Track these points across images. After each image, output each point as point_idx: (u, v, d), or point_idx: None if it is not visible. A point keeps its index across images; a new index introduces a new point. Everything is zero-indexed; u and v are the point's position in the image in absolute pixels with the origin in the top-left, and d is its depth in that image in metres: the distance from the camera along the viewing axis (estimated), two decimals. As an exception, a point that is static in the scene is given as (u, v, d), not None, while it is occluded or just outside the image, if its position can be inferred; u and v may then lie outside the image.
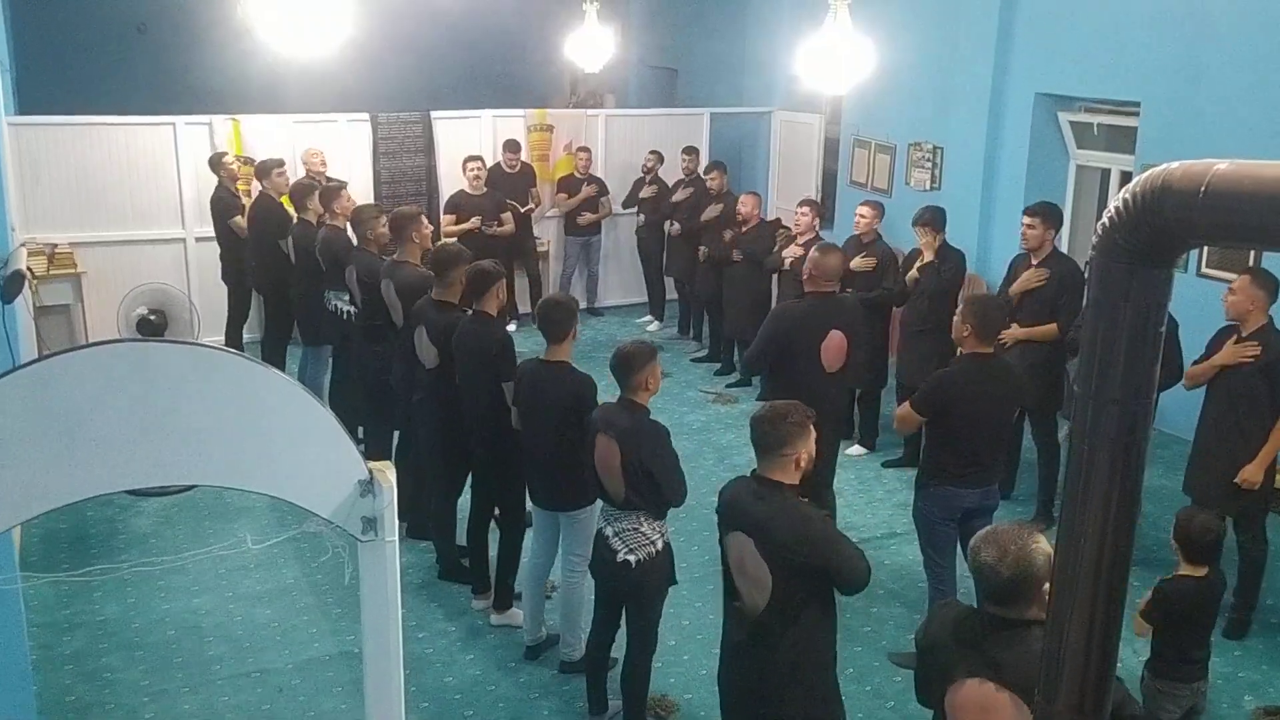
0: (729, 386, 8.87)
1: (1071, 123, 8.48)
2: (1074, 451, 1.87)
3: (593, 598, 4.71)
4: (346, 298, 6.54)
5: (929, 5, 9.40)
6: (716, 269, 8.95)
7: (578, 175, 10.31)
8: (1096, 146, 8.42)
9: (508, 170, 9.85)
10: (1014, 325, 6.09)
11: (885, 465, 7.33)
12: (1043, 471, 6.39)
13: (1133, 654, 4.42)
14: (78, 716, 4.68)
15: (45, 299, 8.18)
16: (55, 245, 8.69)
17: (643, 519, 4.32)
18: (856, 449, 7.52)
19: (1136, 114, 7.71)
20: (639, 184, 10.25)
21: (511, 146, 9.92)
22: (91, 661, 5.05)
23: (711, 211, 9.08)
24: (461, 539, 5.70)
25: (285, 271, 7.51)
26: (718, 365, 9.30)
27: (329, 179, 8.58)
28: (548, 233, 10.62)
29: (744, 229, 8.61)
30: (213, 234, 8.43)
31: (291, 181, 7.85)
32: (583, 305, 10.70)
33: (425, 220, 6.25)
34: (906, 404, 4.94)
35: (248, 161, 8.94)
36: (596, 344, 9.55)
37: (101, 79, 12.54)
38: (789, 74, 8.36)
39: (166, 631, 5.29)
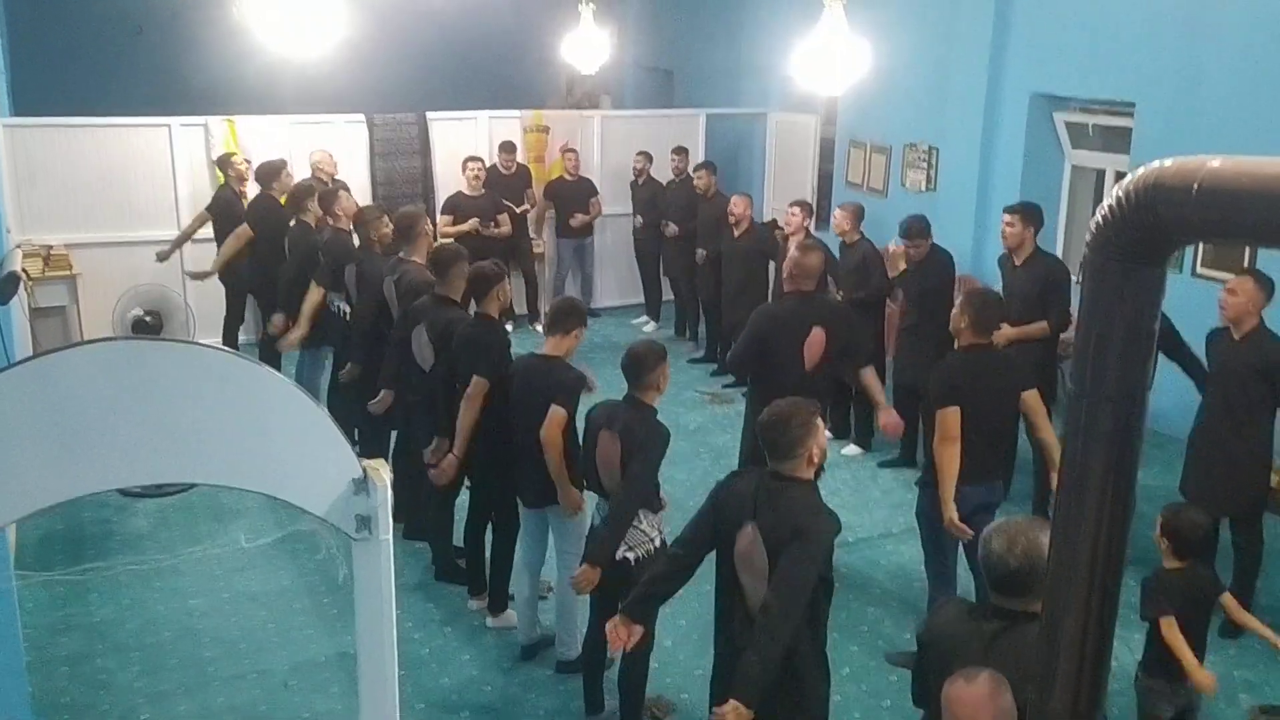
0: (725, 387, 8.87)
1: (1067, 123, 8.49)
2: (1068, 449, 1.87)
3: (589, 597, 4.71)
4: (346, 298, 6.54)
5: (924, 6, 9.41)
6: (715, 270, 8.94)
7: (567, 177, 10.31)
8: (1092, 147, 8.44)
9: (504, 172, 9.86)
10: (1004, 326, 6.10)
11: (881, 465, 7.34)
12: (1039, 470, 6.40)
13: (1128, 651, 4.42)
14: (73, 718, 4.67)
15: (40, 301, 8.17)
16: (51, 247, 8.69)
17: (642, 516, 4.32)
18: (852, 449, 7.53)
19: (1131, 115, 7.73)
20: (634, 188, 10.27)
21: (507, 148, 9.93)
22: (86, 663, 5.04)
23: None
24: (458, 540, 5.70)
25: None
26: (714, 366, 9.31)
27: (335, 181, 8.59)
28: (543, 234, 10.62)
29: (736, 231, 8.61)
30: (211, 235, 8.41)
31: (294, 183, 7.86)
32: (578, 307, 10.75)
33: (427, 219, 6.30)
34: (938, 419, 4.68)
35: (245, 163, 8.93)
36: (593, 345, 9.53)
37: (97, 80, 12.52)
38: (784, 75, 8.36)
39: (162, 633, 5.28)
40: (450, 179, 9.78)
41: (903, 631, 5.29)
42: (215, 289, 8.56)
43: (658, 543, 4.36)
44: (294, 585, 5.72)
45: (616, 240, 10.97)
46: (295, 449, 1.91)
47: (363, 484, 1.96)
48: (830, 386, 5.97)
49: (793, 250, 5.72)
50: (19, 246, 8.05)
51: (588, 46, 9.83)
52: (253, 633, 5.30)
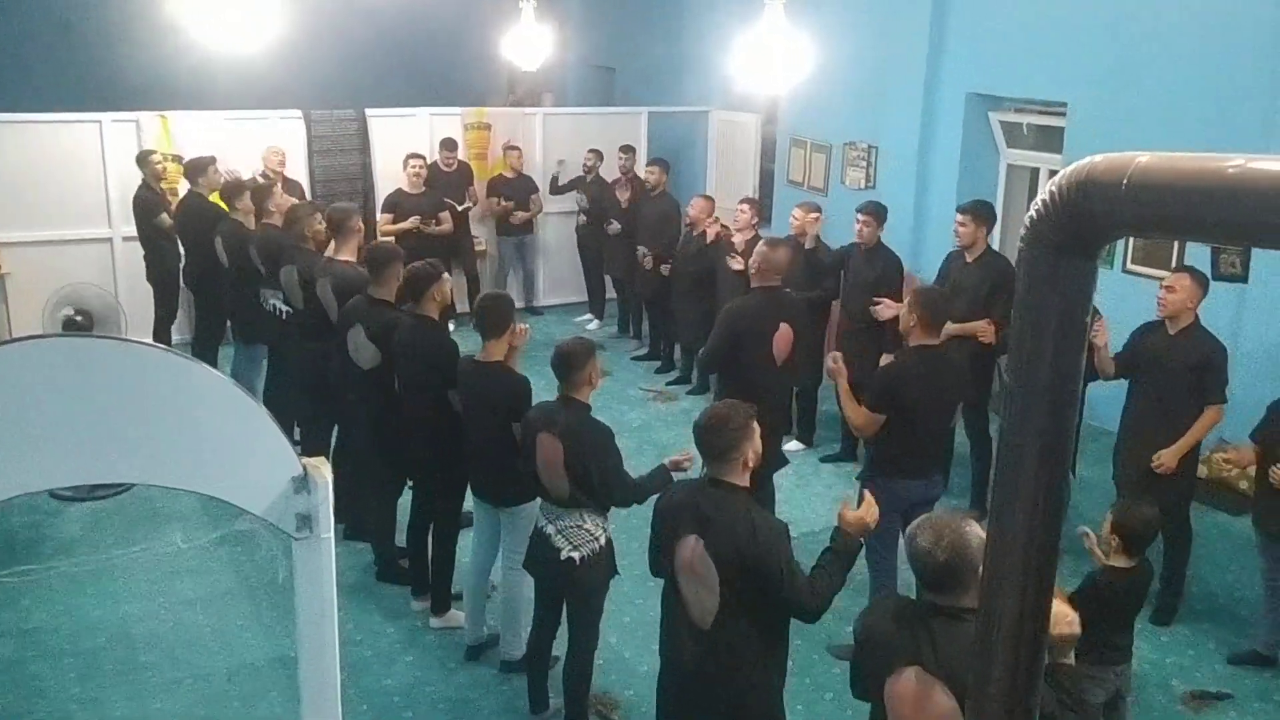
0: (669, 384, 8.90)
1: (1002, 122, 8.64)
2: (1003, 441, 1.90)
3: (533, 595, 4.70)
4: (282, 296, 6.45)
5: (863, 6, 9.51)
6: (658, 269, 8.93)
7: (509, 174, 10.26)
8: (1026, 146, 8.59)
9: (445, 169, 9.79)
10: (947, 322, 6.19)
11: (823, 460, 7.42)
12: (976, 464, 6.52)
13: (1064, 641, 4.51)
14: (4, 727, 4.56)
15: (-33, 301, 7.96)
16: (-23, 245, 8.46)
17: (586, 515, 4.32)
18: (795, 445, 7.58)
19: (1064, 114, 7.88)
20: (577, 181, 10.23)
21: (448, 145, 9.85)
22: (19, 669, 4.92)
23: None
24: (401, 540, 5.65)
25: (216, 270, 7.38)
26: (658, 363, 9.33)
27: (285, 179, 8.49)
28: (485, 232, 10.56)
29: (695, 233, 8.59)
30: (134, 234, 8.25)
31: (224, 178, 7.74)
32: (520, 305, 10.69)
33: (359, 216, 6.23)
34: (862, 409, 4.87)
35: (177, 159, 8.78)
36: (535, 343, 9.42)
37: (26, 76, 12.22)
38: (725, 74, 8.41)
39: (97, 638, 5.17)
40: (391, 176, 9.68)
41: (845, 624, 5.30)
42: (148, 288, 8.40)
43: (602, 541, 4.36)
44: (233, 587, 5.62)
45: (559, 238, 10.94)
46: (233, 447, 1.88)
47: (303, 482, 1.93)
48: (796, 382, 6.02)
49: (760, 245, 5.72)
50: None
51: (529, 43, 9.78)
52: (190, 636, 5.21)
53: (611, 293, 10.44)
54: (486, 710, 4.76)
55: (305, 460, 1.97)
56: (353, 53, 13.50)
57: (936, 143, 8.92)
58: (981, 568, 2.07)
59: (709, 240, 8.03)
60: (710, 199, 8.75)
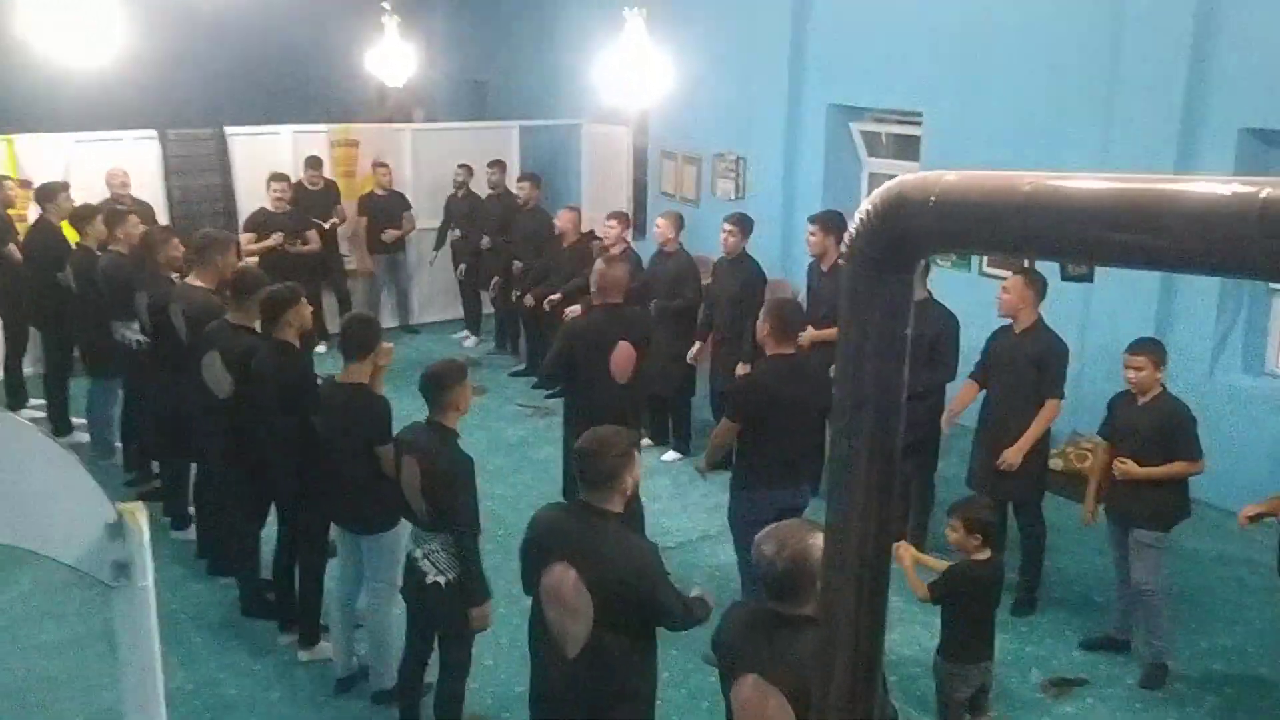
0: (548, 398, 8.85)
1: (862, 132, 8.87)
2: (833, 449, 1.94)
3: (404, 624, 4.60)
4: (136, 326, 6.20)
5: (725, 19, 9.66)
6: (536, 285, 8.88)
7: (379, 192, 10.09)
8: (886, 155, 8.84)
9: (310, 188, 9.56)
10: (809, 328, 6.30)
11: (699, 469, 7.46)
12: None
13: (930, 637, 4.63)
14: None
15: None
16: None
17: (451, 539, 4.24)
18: (671, 454, 7.63)
19: (920, 124, 8.13)
20: (452, 200, 10.13)
21: (314, 163, 9.63)
22: None
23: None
24: (267, 573, 5.47)
25: (64, 302, 7.04)
26: (536, 379, 9.27)
27: (135, 200, 8.14)
28: (354, 251, 10.35)
29: (564, 243, 8.59)
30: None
31: (77, 204, 7.39)
32: (395, 324, 10.52)
33: (236, 252, 5.95)
34: (724, 417, 4.97)
35: (24, 184, 8.35)
36: (410, 362, 9.31)
37: None
38: (594, 87, 8.43)
39: (-62, 694, 4.87)
40: (254, 196, 9.39)
41: (722, 633, 5.37)
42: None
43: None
44: (88, 632, 5.35)
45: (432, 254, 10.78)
46: (39, 495, 1.78)
47: (118, 528, 1.83)
48: (644, 399, 6.05)
49: (599, 263, 5.75)
50: None
51: (394, 58, 9.67)
52: (43, 683, 4.94)
53: (489, 308, 10.34)
54: (359, 743, 4.64)
55: (121, 505, 1.87)
56: (211, 70, 13.10)
57: (801, 153, 9.10)
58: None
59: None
60: (577, 209, 8.79)
